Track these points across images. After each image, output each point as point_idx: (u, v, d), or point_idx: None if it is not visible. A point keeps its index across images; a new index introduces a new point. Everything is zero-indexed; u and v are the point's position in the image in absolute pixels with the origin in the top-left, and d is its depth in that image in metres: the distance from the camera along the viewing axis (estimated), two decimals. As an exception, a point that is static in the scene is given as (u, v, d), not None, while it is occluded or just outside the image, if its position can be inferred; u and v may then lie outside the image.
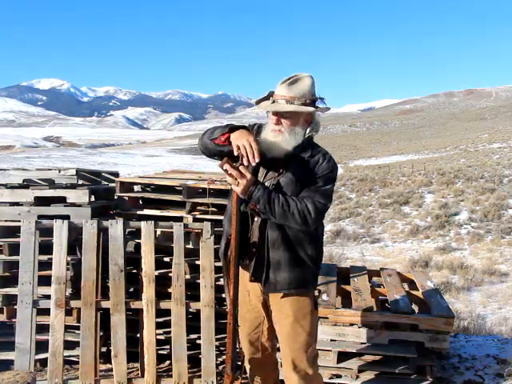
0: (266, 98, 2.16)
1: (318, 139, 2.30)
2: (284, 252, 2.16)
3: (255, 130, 2.24)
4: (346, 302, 3.37)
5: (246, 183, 2.00)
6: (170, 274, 3.05)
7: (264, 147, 2.09)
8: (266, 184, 2.12)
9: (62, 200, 3.29)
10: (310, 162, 2.13)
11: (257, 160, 2.00)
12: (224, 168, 2.03)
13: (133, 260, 3.28)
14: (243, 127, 2.14)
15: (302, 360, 2.27)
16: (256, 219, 2.18)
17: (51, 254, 3.00)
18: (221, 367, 3.19)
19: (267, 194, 2.02)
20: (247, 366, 2.46)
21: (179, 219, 3.23)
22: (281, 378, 2.55)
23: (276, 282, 2.19)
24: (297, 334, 2.25)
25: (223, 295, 3.22)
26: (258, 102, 2.18)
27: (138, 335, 3.13)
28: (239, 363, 2.44)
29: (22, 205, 3.28)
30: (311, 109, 2.08)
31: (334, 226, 17.49)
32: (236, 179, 2.01)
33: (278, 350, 2.43)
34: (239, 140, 2.03)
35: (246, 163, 2.02)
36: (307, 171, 2.12)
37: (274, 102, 2.11)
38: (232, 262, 2.17)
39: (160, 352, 3.22)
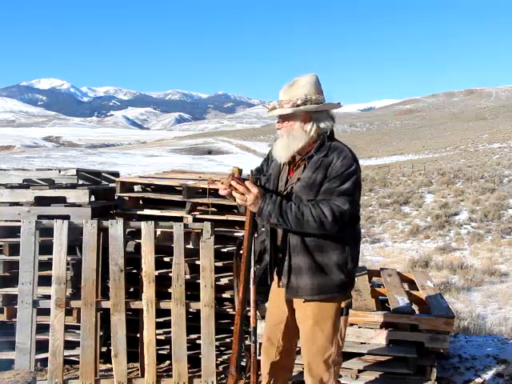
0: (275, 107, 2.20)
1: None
2: (304, 257, 2.12)
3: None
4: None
5: (253, 198, 2.01)
6: (170, 274, 3.05)
7: (275, 154, 2.19)
8: (288, 189, 2.13)
9: (62, 200, 3.29)
10: (324, 162, 2.08)
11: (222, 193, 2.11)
12: (230, 183, 2.05)
13: (133, 260, 3.28)
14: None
15: (318, 364, 2.23)
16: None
17: (51, 253, 3.00)
18: (221, 367, 3.19)
19: (278, 207, 2.00)
20: (262, 360, 2.45)
21: (179, 219, 3.23)
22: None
23: (298, 287, 2.15)
24: (315, 337, 2.22)
25: (223, 295, 3.22)
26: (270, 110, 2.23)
27: (138, 335, 3.13)
28: (243, 364, 2.43)
29: (22, 205, 3.28)
30: (300, 108, 2.07)
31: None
32: (244, 194, 2.03)
33: (298, 353, 2.41)
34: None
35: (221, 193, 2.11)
36: (322, 172, 2.07)
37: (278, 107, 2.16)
38: (243, 262, 2.17)
39: (160, 352, 3.22)
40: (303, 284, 2.14)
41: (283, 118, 2.15)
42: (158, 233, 3.24)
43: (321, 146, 2.12)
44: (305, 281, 2.13)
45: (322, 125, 2.13)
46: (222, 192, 2.14)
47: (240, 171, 2.20)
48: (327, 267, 2.11)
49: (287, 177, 2.20)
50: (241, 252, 2.21)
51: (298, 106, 2.09)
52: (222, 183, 2.10)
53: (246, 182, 2.04)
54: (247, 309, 2.34)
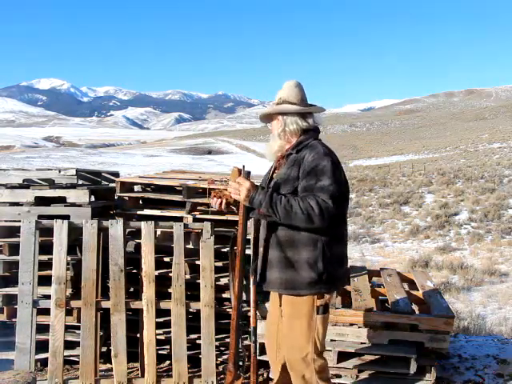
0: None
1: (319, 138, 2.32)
2: (276, 252, 2.20)
3: None
4: (346, 302, 3.37)
5: (245, 191, 2.10)
6: (170, 274, 3.05)
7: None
8: (271, 185, 2.23)
9: (62, 200, 3.29)
10: (298, 159, 2.20)
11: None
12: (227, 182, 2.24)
13: (133, 260, 3.28)
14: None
15: (296, 361, 2.27)
16: (263, 221, 2.27)
17: (51, 254, 3.00)
18: (221, 367, 3.19)
19: (269, 197, 2.07)
20: (268, 357, 2.52)
21: (179, 219, 3.23)
22: None
23: (269, 280, 2.25)
24: (291, 334, 2.27)
25: (223, 295, 3.22)
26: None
27: (138, 335, 3.13)
28: (241, 361, 2.44)
29: (21, 205, 3.28)
30: (264, 110, 2.36)
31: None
32: (238, 189, 2.13)
33: None
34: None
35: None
36: (295, 169, 2.18)
37: None
38: (238, 257, 2.23)
39: (160, 352, 3.22)
40: (273, 277, 2.22)
41: (269, 121, 2.40)
42: (158, 233, 3.24)
43: (298, 144, 2.25)
44: (274, 274, 2.21)
45: (291, 126, 2.27)
46: (213, 204, 2.29)
47: (240, 171, 2.22)
48: (297, 263, 2.17)
49: (272, 174, 2.34)
50: (235, 248, 2.28)
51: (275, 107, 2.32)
52: (214, 196, 2.27)
53: (238, 178, 2.15)
54: (247, 309, 2.34)
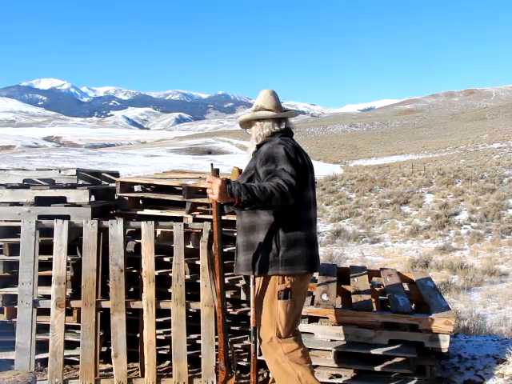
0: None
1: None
2: (241, 237, 2.42)
3: None
4: (346, 302, 3.37)
5: (217, 187, 2.16)
6: (170, 274, 3.05)
7: None
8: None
9: (62, 200, 3.29)
10: (259, 152, 2.42)
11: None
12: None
13: (133, 260, 3.28)
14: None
15: (264, 346, 2.41)
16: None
17: (51, 254, 3.00)
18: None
19: (243, 186, 2.17)
20: None
21: (179, 219, 3.23)
22: None
23: (237, 264, 2.45)
24: (258, 318, 2.40)
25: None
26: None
27: (138, 335, 3.13)
28: (243, 363, 2.44)
29: (22, 205, 3.28)
30: (242, 117, 2.57)
31: (333, 226, 17.48)
32: (211, 188, 2.20)
33: None
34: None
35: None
36: (254, 161, 2.41)
37: None
38: (216, 254, 2.35)
39: (160, 352, 3.22)
40: (240, 260, 2.42)
41: (247, 126, 2.62)
42: (158, 233, 3.24)
43: (264, 143, 2.45)
44: (240, 257, 2.42)
45: (265, 130, 2.47)
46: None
47: (240, 171, 2.24)
48: (256, 245, 2.35)
49: None
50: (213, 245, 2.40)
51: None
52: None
53: (208, 177, 2.22)
54: (247, 309, 2.35)
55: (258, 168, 2.33)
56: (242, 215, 2.41)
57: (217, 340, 2.98)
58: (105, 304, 3.02)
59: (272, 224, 2.33)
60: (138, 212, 3.37)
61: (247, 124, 2.61)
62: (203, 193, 3.29)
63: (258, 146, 2.47)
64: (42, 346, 3.07)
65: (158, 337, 3.11)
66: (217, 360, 2.96)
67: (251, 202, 2.17)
